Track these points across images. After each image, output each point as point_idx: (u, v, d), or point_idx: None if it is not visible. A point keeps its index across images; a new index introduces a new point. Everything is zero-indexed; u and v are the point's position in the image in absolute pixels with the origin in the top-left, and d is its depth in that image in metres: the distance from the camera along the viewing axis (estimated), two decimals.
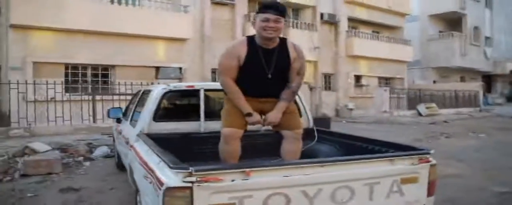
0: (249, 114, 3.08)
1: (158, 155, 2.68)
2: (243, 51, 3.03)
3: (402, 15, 24.12)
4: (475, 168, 6.90)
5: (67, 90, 12.39)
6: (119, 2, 13.40)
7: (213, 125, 3.83)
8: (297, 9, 19.60)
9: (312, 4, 19.19)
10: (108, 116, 5.60)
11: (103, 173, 6.40)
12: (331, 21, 20.14)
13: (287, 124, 3.23)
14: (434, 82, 27.97)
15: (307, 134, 4.23)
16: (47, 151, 6.97)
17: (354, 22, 22.02)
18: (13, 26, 11.73)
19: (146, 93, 4.44)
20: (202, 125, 4.04)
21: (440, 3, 27.35)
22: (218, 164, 2.87)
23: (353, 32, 21.06)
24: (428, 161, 2.78)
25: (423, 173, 2.76)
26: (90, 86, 12.84)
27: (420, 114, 20.73)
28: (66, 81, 12.74)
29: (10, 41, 11.85)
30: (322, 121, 12.24)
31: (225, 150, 3.16)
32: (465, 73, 30.67)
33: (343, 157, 2.81)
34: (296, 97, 4.36)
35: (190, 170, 2.16)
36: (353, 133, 11.80)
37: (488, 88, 33.09)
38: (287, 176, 2.35)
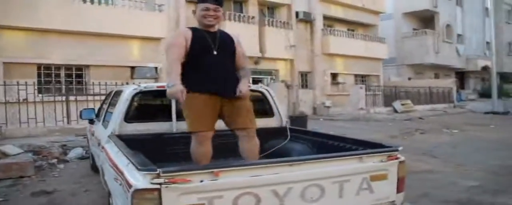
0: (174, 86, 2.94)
1: (126, 157, 2.65)
2: (188, 34, 3.16)
3: (377, 13, 24.47)
4: (449, 164, 7.08)
5: (40, 91, 12.08)
6: (92, 1, 13.15)
7: (185, 126, 3.79)
8: (273, 8, 19.66)
9: (287, 3, 19.26)
10: (81, 117, 5.50)
11: (78, 175, 6.29)
12: (307, 19, 20.27)
13: (241, 122, 3.25)
14: (409, 79, 28.47)
15: (280, 133, 4.26)
16: (18, 153, 6.82)
17: (330, 20, 22.22)
18: None
19: (118, 93, 4.37)
20: (174, 126, 4.01)
21: (414, 1, 27.89)
22: (187, 165, 2.84)
23: (328, 30, 21.24)
24: (397, 158, 2.83)
25: (392, 170, 2.80)
26: (63, 86, 12.54)
27: (396, 111, 21.08)
28: (39, 82, 12.42)
29: None
30: (298, 119, 12.33)
31: (198, 152, 3.16)
32: (439, 70, 31.35)
33: (312, 156, 2.84)
34: (267, 94, 4.39)
35: (157, 172, 2.14)
36: (330, 130, 11.97)
37: (461, 85, 33.91)
38: (256, 176, 2.35)
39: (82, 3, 12.85)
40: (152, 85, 4.15)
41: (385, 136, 11.44)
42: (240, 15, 17.34)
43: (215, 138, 3.24)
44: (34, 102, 10.49)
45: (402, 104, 21.61)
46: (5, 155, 6.66)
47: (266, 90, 4.47)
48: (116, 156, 2.93)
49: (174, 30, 14.94)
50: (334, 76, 22.24)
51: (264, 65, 18.44)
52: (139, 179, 2.20)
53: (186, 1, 15.70)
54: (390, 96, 23.02)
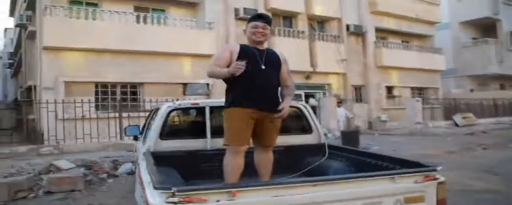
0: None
1: (149, 174, 2.63)
2: (235, 48, 3.31)
3: (432, 23, 23.53)
4: (511, 183, 6.47)
5: (97, 108, 12.74)
6: (145, 22, 13.72)
7: (220, 142, 3.76)
8: (323, 22, 19.49)
9: (337, 16, 19.02)
10: (125, 134, 5.64)
11: (125, 190, 6.42)
12: (358, 32, 19.89)
13: (268, 140, 3.37)
14: (471, 90, 26.90)
15: (318, 150, 4.11)
16: (71, 168, 7.12)
17: (382, 33, 21.65)
18: (46, 48, 12.25)
19: (156, 111, 4.44)
20: (209, 142, 3.99)
21: (472, 9, 26.39)
22: (204, 184, 2.78)
23: (381, 43, 20.68)
24: (435, 179, 2.59)
25: (429, 191, 2.57)
26: (117, 103, 13.09)
27: (456, 125, 19.98)
28: (97, 99, 13.09)
29: (43, 63, 12.37)
30: (350, 134, 11.97)
31: (231, 165, 3.20)
32: (504, 80, 29.29)
33: (337, 176, 2.67)
34: (305, 110, 4.27)
35: (172, 191, 2.10)
36: (383, 146, 11.51)
37: None
38: (276, 196, 2.24)
39: (136, 24, 13.44)
40: (186, 102, 4.18)
41: (442, 151, 10.80)
42: (289, 30, 17.37)
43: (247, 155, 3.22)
44: (89, 118, 11.02)
45: (463, 118, 20.45)
46: (58, 169, 6.97)
47: (303, 106, 4.35)
48: (144, 173, 2.93)
49: None
50: (389, 89, 21.49)
51: (315, 80, 18.26)
52: (156, 198, 2.18)
53: (236, 19, 15.95)
54: (450, 109, 21.89)
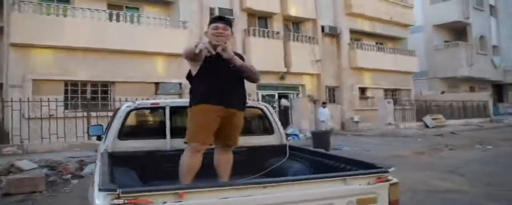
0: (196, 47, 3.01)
1: (99, 175, 2.57)
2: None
3: (406, 26, 23.98)
4: (476, 183, 6.62)
5: (66, 106, 12.44)
6: (118, 20, 13.48)
7: (180, 143, 3.70)
8: (298, 23, 19.60)
9: (312, 17, 19.15)
10: (88, 134, 5.50)
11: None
12: (333, 34, 20.10)
13: (233, 138, 3.33)
14: (443, 92, 27.55)
15: (280, 151, 4.10)
16: (33, 169, 6.92)
17: (357, 34, 21.92)
18: (13, 45, 11.89)
19: (117, 110, 4.35)
20: (168, 143, 3.92)
21: (444, 13, 27.08)
22: (152, 186, 2.72)
23: (355, 44, 20.93)
24: (387, 180, 2.60)
25: (382, 193, 2.56)
26: (88, 102, 12.81)
27: (427, 126, 20.42)
28: (66, 98, 12.78)
29: (10, 60, 12.00)
30: (321, 135, 12.05)
31: (188, 163, 3.14)
32: (474, 83, 30.18)
33: (288, 177, 2.66)
34: (267, 111, 4.26)
35: (117, 192, 2.04)
36: (354, 146, 11.62)
37: (499, 98, 32.51)
38: (225, 198, 2.21)
39: (108, 22, 13.20)
40: (146, 102, 4.10)
41: (411, 152, 11.01)
42: (264, 30, 17.37)
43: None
44: (56, 118, 10.75)
45: (434, 119, 20.92)
46: (20, 170, 6.77)
47: (265, 106, 4.32)
48: (96, 174, 2.86)
49: None
50: (362, 90, 21.79)
51: (290, 80, 18.34)
52: (100, 199, 2.11)
53: (210, 18, 15.86)
54: (421, 111, 22.33)
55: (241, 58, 3.33)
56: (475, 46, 28.62)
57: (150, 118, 4.32)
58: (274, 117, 4.27)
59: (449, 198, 5.59)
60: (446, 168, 8.12)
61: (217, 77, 3.17)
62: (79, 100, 12.96)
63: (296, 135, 14.80)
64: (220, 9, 15.81)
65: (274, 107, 17.75)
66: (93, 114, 11.57)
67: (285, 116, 17.52)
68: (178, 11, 15.30)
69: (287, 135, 13.64)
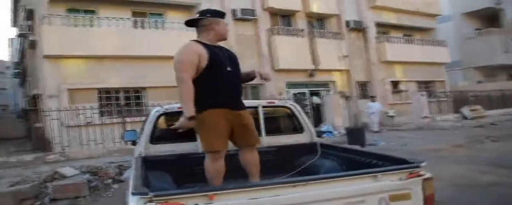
0: (192, 118, 2.98)
1: (133, 180, 2.64)
2: (202, 50, 3.10)
3: (433, 16, 23.37)
4: None
5: (102, 114, 12.82)
6: (142, 27, 13.79)
7: None
8: (322, 19, 19.41)
9: (336, 13, 18.99)
10: (123, 140, 5.63)
11: None
12: (358, 28, 19.82)
13: (245, 138, 3.26)
14: (479, 82, 26.63)
15: (311, 149, 4.09)
16: (75, 175, 7.15)
17: (383, 27, 21.54)
18: (47, 57, 12.37)
19: (148, 115, 4.43)
20: (199, 146, 3.96)
21: (473, 0, 26.19)
22: (186, 188, 2.76)
23: (383, 38, 20.55)
24: (419, 175, 2.55)
25: (415, 188, 2.53)
26: (122, 108, 13.13)
27: (465, 118, 19.75)
28: (100, 105, 13.17)
29: (45, 71, 12.48)
30: (355, 131, 11.89)
31: (213, 169, 3.13)
32: None
33: (317, 176, 2.64)
34: (294, 110, 4.25)
35: (149, 196, 2.10)
36: (390, 141, 11.34)
37: None
38: (254, 199, 2.22)
39: (133, 29, 13.50)
40: (174, 106, 4.15)
41: (448, 145, 10.66)
42: (288, 28, 17.32)
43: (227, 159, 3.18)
44: (93, 125, 11.08)
45: (471, 110, 20.19)
46: (63, 176, 7.01)
47: (293, 105, 4.32)
48: (131, 179, 2.94)
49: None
50: (395, 84, 21.35)
51: (319, 77, 18.23)
52: (134, 203, 2.17)
53: (234, 19, 15.98)
54: (458, 102, 21.66)
55: (235, 56, 3.41)
56: (510, 32, 27.48)
57: None
58: (302, 115, 4.27)
59: (491, 192, 5.34)
60: (487, 161, 7.78)
61: (221, 81, 3.13)
62: (113, 106, 13.31)
63: (330, 132, 14.68)
64: (242, 10, 15.88)
65: (306, 105, 17.68)
66: (128, 119, 11.86)
67: (317, 113, 17.41)
68: None
69: (322, 132, 13.52)
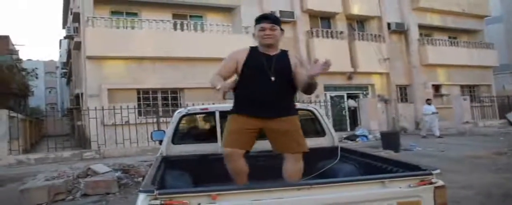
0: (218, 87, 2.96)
1: (148, 178, 2.74)
2: (242, 56, 3.18)
3: (481, 17, 22.44)
4: None
5: (139, 113, 13.22)
6: (182, 29, 14.09)
7: None
8: (362, 21, 19.15)
9: (377, 15, 18.63)
10: (151, 139, 5.80)
11: None
12: (400, 30, 19.36)
13: (287, 146, 3.16)
14: None
15: (331, 153, 4.07)
16: (107, 172, 7.42)
17: (426, 29, 20.91)
18: (89, 58, 12.91)
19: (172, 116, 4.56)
20: (219, 146, 4.04)
21: None
22: (195, 187, 2.82)
23: (425, 40, 19.94)
24: (431, 183, 2.48)
25: (426, 196, 2.45)
26: (159, 109, 13.48)
27: (511, 124, 18.88)
28: (139, 105, 13.61)
29: (87, 71, 13.04)
30: (391, 135, 11.64)
31: (230, 168, 3.18)
32: None
33: (322, 180, 2.63)
34: (317, 113, 4.23)
35: (155, 193, 2.18)
36: (427, 147, 10.98)
37: None
38: (257, 200, 2.25)
39: (173, 31, 13.83)
40: (196, 108, 4.26)
41: (490, 152, 10.20)
42: (328, 31, 17.18)
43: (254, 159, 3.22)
44: (129, 124, 11.46)
45: None
46: (95, 173, 7.31)
47: (315, 108, 4.31)
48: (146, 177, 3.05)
49: None
50: (436, 88, 20.71)
51: (357, 80, 17.97)
52: (141, 200, 2.26)
53: None
54: (504, 107, 20.70)
55: (286, 63, 3.19)
56: None
57: (202, 123, 4.49)
58: (324, 119, 4.25)
59: None
60: None
61: (254, 88, 3.10)
62: (150, 106, 13.71)
63: (365, 136, 14.43)
64: (281, 11, 15.91)
65: (343, 108, 17.48)
66: (163, 119, 12.14)
67: (353, 116, 17.18)
68: (240, 16, 15.64)
69: (356, 136, 13.30)
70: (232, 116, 3.22)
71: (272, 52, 3.18)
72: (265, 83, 3.07)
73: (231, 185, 2.60)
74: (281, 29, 3.20)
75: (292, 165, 3.14)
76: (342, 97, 17.93)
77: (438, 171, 2.54)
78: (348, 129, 16.68)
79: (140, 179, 7.73)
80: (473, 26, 22.27)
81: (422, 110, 17.76)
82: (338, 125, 16.40)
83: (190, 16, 15.78)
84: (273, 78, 3.07)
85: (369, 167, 3.47)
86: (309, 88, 3.08)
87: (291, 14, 16.35)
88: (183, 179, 3.59)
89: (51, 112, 28.31)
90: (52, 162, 10.10)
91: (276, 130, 3.15)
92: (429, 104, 15.59)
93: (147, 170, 8.41)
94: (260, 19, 3.18)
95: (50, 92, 52.53)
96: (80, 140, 14.72)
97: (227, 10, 16.14)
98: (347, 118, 17.52)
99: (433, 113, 15.02)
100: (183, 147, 4.07)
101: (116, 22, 13.39)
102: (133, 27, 13.55)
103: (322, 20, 18.11)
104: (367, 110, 15.84)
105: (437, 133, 14.68)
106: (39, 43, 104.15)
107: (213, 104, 11.46)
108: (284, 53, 3.24)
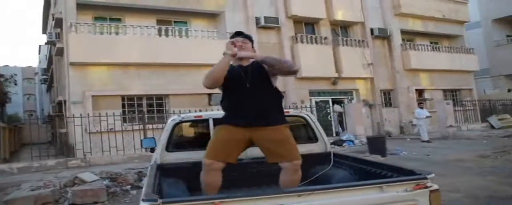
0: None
1: (146, 187, 2.76)
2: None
3: (461, 22, 23.00)
4: None
5: (124, 120, 13.13)
6: (167, 35, 14.08)
7: None
8: (346, 27, 19.41)
9: (360, 20, 18.91)
10: (142, 146, 5.81)
11: None
12: (383, 36, 19.68)
13: (282, 154, 3.17)
14: (509, 90, 25.95)
15: (324, 159, 4.14)
16: (95, 180, 7.35)
17: (409, 35, 21.35)
18: (72, 64, 12.78)
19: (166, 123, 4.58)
20: None
21: (504, 6, 25.48)
22: (199, 195, 2.86)
23: (408, 45, 20.33)
24: (426, 187, 2.57)
25: (422, 200, 2.54)
26: (145, 116, 13.39)
27: (492, 127, 19.33)
28: (124, 112, 13.51)
29: (70, 78, 12.89)
30: (376, 140, 11.81)
31: (203, 180, 3.22)
32: None
33: (323, 186, 2.69)
34: (309, 119, 4.31)
35: (158, 202, 2.21)
36: (412, 151, 11.17)
37: None
38: None
39: (158, 37, 13.81)
40: (190, 115, 4.30)
41: (474, 155, 10.44)
42: (312, 36, 17.37)
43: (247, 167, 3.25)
44: (115, 131, 11.38)
45: (500, 119, 19.74)
46: (83, 181, 7.24)
47: (307, 114, 4.39)
48: (144, 185, 3.07)
49: None
50: (420, 92, 21.09)
51: (342, 85, 18.18)
52: None
53: (257, 27, 16.14)
54: (486, 111, 21.20)
55: (261, 68, 3.27)
56: None
57: (195, 130, 4.51)
58: (316, 125, 4.32)
59: None
60: None
61: (234, 98, 3.22)
62: (136, 113, 13.63)
63: (352, 141, 14.60)
64: (265, 17, 16.06)
65: (328, 114, 17.65)
66: (150, 126, 12.10)
67: (339, 121, 17.37)
68: (224, 22, 15.72)
69: (343, 141, 13.42)
70: (218, 127, 3.33)
71: (245, 63, 3.32)
72: (243, 90, 3.19)
73: (233, 193, 2.63)
74: (253, 47, 3.44)
75: (289, 176, 3.16)
76: (327, 102, 18.10)
77: (432, 175, 2.64)
78: (334, 134, 16.84)
79: (128, 187, 7.69)
80: (454, 31, 22.79)
81: (409, 115, 18.10)
82: (324, 130, 16.49)
83: (175, 22, 15.78)
84: (248, 85, 3.18)
85: (363, 172, 3.55)
86: (279, 68, 3.19)
87: (276, 20, 16.50)
88: (179, 187, 3.61)
89: (31, 119, 27.84)
90: (36, 171, 9.95)
91: (265, 140, 3.20)
92: (422, 107, 15.68)
93: (136, 178, 8.43)
94: (234, 35, 3.48)
95: (28, 98, 51.70)
96: (63, 148, 14.50)
97: (212, 16, 16.19)
98: (333, 123, 17.69)
99: (427, 117, 15.07)
100: (178, 154, 4.09)
101: (99, 28, 13.31)
102: (117, 33, 13.48)
103: (307, 26, 18.30)
104: (353, 115, 16.05)
105: (426, 138, 14.82)
106: (16, 49, 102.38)
107: (200, 110, 11.46)
108: (256, 62, 3.31)
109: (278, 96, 3.36)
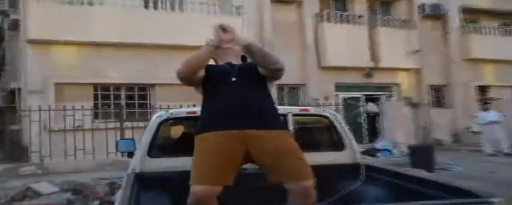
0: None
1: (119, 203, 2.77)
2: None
3: None
4: None
5: (96, 116, 13.17)
6: (155, 7, 14.07)
7: None
8: (387, 3, 19.38)
9: None
10: (117, 150, 5.78)
11: None
12: (436, 14, 19.62)
13: (285, 171, 2.97)
14: None
15: (353, 172, 4.13)
16: (53, 193, 7.40)
17: (471, 14, 21.04)
18: (31, 42, 12.82)
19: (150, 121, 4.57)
20: None
21: None
22: None
23: (470, 27, 20.21)
24: None
25: None
26: (124, 110, 13.37)
27: None
28: (96, 105, 13.60)
29: (28, 59, 12.94)
30: (420, 150, 11.79)
31: None
32: None
33: None
34: (334, 121, 4.29)
35: None
36: (469, 167, 11.07)
37: None
38: None
39: (144, 10, 13.81)
40: (181, 110, 4.28)
41: None
42: (342, 14, 17.31)
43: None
44: (83, 129, 11.41)
45: None
46: (37, 194, 7.28)
47: (332, 114, 4.38)
48: (117, 201, 3.07)
49: (257, 37, 15.37)
50: (482, 89, 21.04)
51: (378, 78, 18.16)
52: None
53: (272, 1, 16.10)
54: None
55: (249, 64, 3.35)
56: None
57: (187, 131, 4.48)
58: (344, 128, 4.31)
59: None
60: None
61: (219, 95, 3.20)
62: (112, 107, 13.65)
63: (388, 150, 14.55)
64: None
65: (360, 114, 17.58)
66: (129, 124, 12.10)
67: (373, 125, 17.30)
68: None
69: (377, 150, 13.43)
70: (199, 137, 3.12)
71: (234, 62, 3.41)
72: (230, 87, 3.19)
73: None
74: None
75: (299, 202, 2.96)
76: (358, 99, 18.07)
77: (499, 199, 2.61)
78: (366, 141, 16.79)
79: (97, 202, 7.74)
80: None
81: (467, 118, 17.91)
82: (353, 136, 16.46)
83: None
84: (234, 78, 3.21)
85: (403, 191, 3.53)
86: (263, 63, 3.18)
87: None
88: (162, 202, 3.61)
89: None
90: None
91: (263, 152, 3.04)
92: (486, 109, 15.54)
93: (107, 190, 8.48)
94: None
95: None
96: (13, 150, 14.58)
97: None
98: (365, 126, 17.62)
99: (491, 122, 14.75)
100: (163, 161, 4.10)
101: None
102: (91, 3, 13.41)
103: (336, 1, 18.33)
104: (391, 117, 15.97)
105: (490, 150, 14.45)
106: None
107: (194, 105, 11.46)
108: (249, 63, 3.39)
109: (273, 102, 3.38)
